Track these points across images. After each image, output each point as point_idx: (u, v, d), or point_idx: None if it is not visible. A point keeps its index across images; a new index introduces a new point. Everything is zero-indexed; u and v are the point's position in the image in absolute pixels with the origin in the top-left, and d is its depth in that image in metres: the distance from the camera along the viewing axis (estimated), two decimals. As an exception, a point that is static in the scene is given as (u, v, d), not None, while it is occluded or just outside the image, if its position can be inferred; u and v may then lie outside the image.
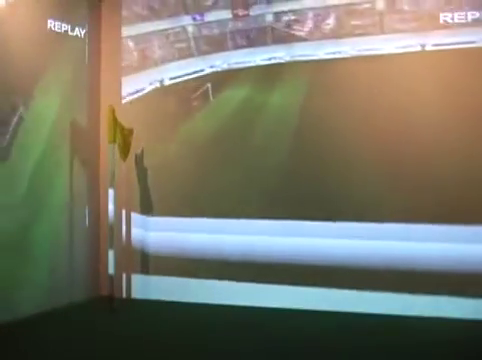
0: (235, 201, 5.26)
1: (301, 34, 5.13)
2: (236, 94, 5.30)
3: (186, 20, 5.46)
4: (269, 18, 5.22)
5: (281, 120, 5.18)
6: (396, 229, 4.81)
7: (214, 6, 5.36)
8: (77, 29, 5.48)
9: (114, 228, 5.31)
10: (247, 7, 5.25)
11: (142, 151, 5.59)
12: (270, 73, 5.22)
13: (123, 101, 5.65)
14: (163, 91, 5.55)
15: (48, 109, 5.12)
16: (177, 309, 5.16)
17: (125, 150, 5.28)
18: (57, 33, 5.25)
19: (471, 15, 4.69)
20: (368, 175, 4.91)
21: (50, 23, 5.17)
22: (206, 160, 5.36)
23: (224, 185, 5.28)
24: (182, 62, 5.46)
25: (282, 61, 5.18)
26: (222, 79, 5.33)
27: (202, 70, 5.38)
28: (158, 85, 5.55)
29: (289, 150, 5.12)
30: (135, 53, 5.64)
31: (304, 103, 5.10)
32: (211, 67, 5.35)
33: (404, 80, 4.84)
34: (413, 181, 4.78)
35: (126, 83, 5.64)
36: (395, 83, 4.87)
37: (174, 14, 5.49)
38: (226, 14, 5.32)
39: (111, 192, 5.30)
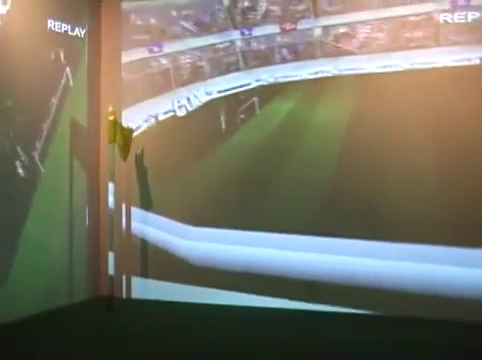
0: (277, 215, 5.15)
1: (351, 48, 5.01)
2: (282, 108, 5.23)
3: (235, 35, 5.46)
4: (317, 32, 5.14)
5: (327, 135, 5.04)
6: (450, 253, 4.51)
7: (262, 21, 5.35)
8: (77, 29, 5.49)
9: (114, 228, 5.31)
10: (295, 21, 5.22)
11: (142, 151, 5.59)
12: (317, 87, 5.12)
13: (172, 113, 5.61)
14: (210, 104, 5.50)
15: (47, 109, 5.11)
16: (177, 309, 5.17)
17: (125, 150, 5.28)
18: (57, 33, 5.25)
19: (471, 15, 4.67)
20: (419, 194, 4.67)
21: (50, 23, 5.17)
22: (250, 173, 5.28)
23: (268, 198, 5.19)
24: (229, 76, 5.43)
25: (330, 75, 5.07)
26: (268, 93, 5.28)
27: (249, 84, 5.36)
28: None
29: (335, 166, 4.97)
30: (184, 67, 5.60)
31: (352, 118, 4.94)
32: (257, 81, 5.33)
33: (461, 95, 4.59)
34: (471, 202, 4.48)
35: (175, 95, 5.59)
36: (451, 98, 4.63)
37: (223, 29, 5.49)
38: (274, 28, 5.31)
39: (111, 187, 5.28)
